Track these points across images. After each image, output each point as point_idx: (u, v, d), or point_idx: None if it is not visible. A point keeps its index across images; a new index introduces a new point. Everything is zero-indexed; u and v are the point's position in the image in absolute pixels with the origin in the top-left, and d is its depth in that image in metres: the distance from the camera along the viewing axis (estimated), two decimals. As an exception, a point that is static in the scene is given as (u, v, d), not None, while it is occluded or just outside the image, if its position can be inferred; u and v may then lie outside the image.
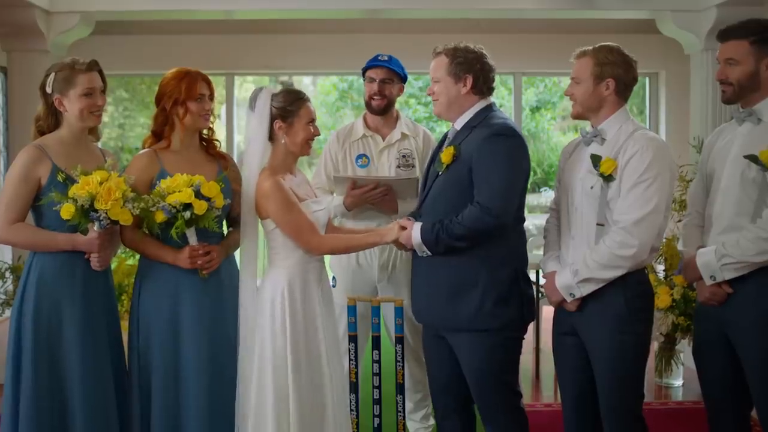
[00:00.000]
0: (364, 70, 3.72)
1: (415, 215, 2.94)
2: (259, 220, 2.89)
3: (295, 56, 6.64)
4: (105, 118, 9.26)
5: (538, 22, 6.16)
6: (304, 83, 12.19)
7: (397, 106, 3.78)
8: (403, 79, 3.70)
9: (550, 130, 11.85)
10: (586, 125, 2.88)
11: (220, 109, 7.90)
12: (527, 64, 6.74)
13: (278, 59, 6.70)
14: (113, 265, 4.83)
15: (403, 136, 3.72)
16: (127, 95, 9.06)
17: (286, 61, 6.72)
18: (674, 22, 5.14)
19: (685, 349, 4.84)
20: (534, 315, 2.88)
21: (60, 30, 5.05)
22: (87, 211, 2.68)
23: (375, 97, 3.64)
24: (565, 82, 13.00)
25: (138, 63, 6.61)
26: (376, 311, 3.30)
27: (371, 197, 3.48)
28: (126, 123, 9.04)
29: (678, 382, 4.94)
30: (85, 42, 5.36)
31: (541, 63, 6.71)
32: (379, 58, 3.68)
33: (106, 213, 2.67)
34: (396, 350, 3.29)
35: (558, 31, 6.27)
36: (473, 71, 2.82)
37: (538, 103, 11.77)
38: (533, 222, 7.00)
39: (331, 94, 11.80)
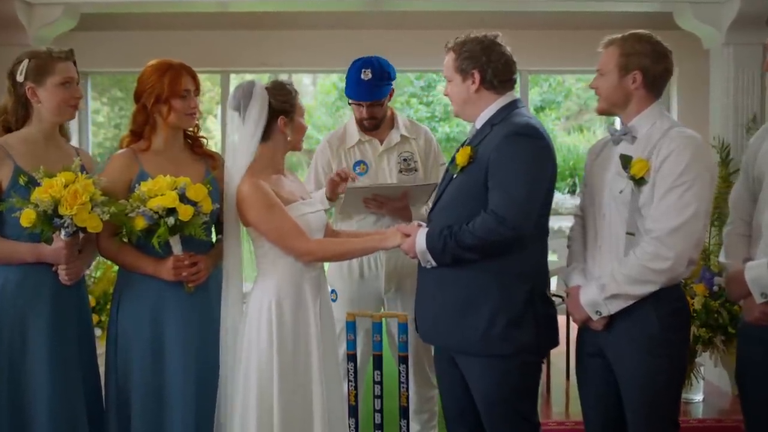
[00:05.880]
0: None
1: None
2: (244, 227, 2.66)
3: (294, 53, 6.47)
4: (100, 118, 9.03)
5: (545, 18, 5.98)
6: (304, 83, 12.01)
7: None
8: (392, 78, 3.41)
9: (554, 131, 11.63)
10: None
11: (217, 108, 7.69)
12: (533, 61, 6.53)
13: (276, 56, 6.56)
14: (98, 273, 4.61)
15: (403, 138, 3.44)
16: (122, 95, 8.86)
17: (284, 59, 6.57)
18: (694, 14, 4.91)
19: (706, 362, 4.58)
20: (556, 340, 2.58)
21: (42, 23, 4.84)
22: (50, 218, 2.42)
23: (366, 120, 3.38)
24: (570, 80, 12.81)
25: (128, 60, 6.36)
26: (377, 328, 3.02)
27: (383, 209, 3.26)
28: (122, 123, 8.85)
29: (698, 398, 4.67)
30: (70, 37, 5.13)
31: (548, 61, 6.51)
32: (363, 78, 3.30)
33: (72, 219, 2.41)
34: (399, 370, 3.01)
35: (566, 27, 6.10)
36: (478, 65, 2.51)
37: (542, 103, 11.58)
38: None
39: (331, 94, 11.61)
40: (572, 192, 10.88)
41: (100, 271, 4.62)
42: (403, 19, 6.02)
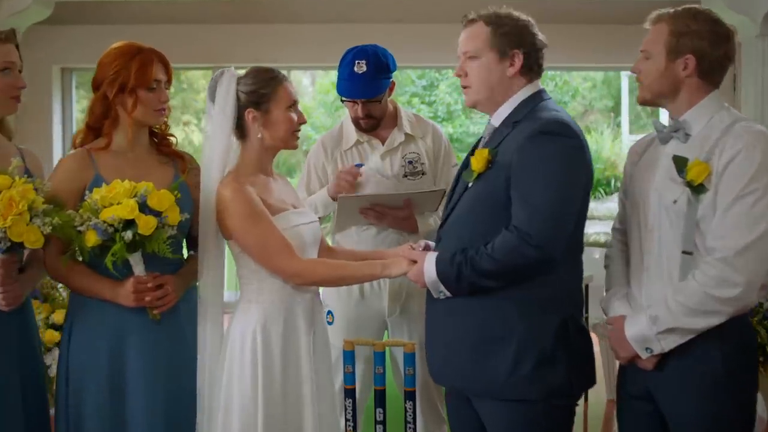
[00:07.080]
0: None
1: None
2: (225, 241, 2.30)
3: (290, 48, 6.19)
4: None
5: (560, 9, 5.65)
6: (303, 84, 11.67)
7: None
8: (392, 70, 2.99)
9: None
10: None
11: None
12: (545, 57, 6.23)
13: (271, 51, 6.25)
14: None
15: (408, 137, 3.03)
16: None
17: (280, 54, 6.26)
18: (726, 3, 4.53)
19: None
20: (592, 379, 2.19)
21: (11, 11, 4.56)
22: None
23: (362, 119, 2.97)
24: (577, 80, 12.43)
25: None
26: (380, 358, 2.62)
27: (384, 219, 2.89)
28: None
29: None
30: (47, 30, 4.89)
31: (557, 57, 6.17)
32: (356, 72, 2.89)
33: (6, 233, 2.03)
34: (406, 408, 2.62)
35: (578, 21, 5.77)
36: (524, 46, 2.13)
37: (548, 103, 11.25)
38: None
39: (331, 93, 11.27)
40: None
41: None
42: (406, 12, 5.82)
